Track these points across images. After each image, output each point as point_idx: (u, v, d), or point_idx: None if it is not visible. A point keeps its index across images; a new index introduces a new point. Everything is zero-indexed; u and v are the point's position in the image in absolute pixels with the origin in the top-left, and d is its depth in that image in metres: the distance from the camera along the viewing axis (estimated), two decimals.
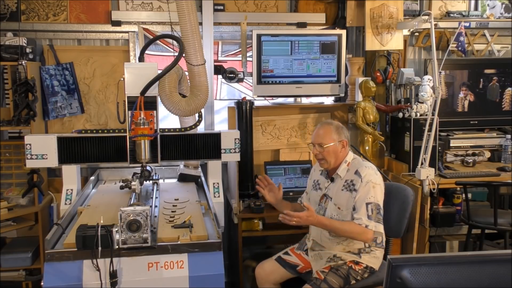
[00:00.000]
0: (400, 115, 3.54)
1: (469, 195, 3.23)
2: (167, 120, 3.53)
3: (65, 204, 2.84)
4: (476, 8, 3.99)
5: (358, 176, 2.41)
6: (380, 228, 2.37)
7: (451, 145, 3.70)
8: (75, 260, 2.00)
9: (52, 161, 2.76)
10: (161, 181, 3.28)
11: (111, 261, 1.95)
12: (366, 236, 2.35)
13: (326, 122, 2.57)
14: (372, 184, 2.38)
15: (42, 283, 1.96)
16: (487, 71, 3.86)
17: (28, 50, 3.18)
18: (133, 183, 2.41)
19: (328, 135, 2.48)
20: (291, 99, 3.79)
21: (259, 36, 3.49)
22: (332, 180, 2.54)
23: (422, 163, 3.19)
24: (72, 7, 3.52)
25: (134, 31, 3.56)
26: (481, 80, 3.86)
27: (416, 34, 3.89)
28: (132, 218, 1.97)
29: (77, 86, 3.53)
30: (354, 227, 2.34)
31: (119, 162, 2.81)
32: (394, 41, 3.66)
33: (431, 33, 3.15)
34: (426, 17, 3.16)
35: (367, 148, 3.56)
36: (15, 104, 3.20)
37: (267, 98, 3.76)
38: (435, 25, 3.49)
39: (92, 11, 3.54)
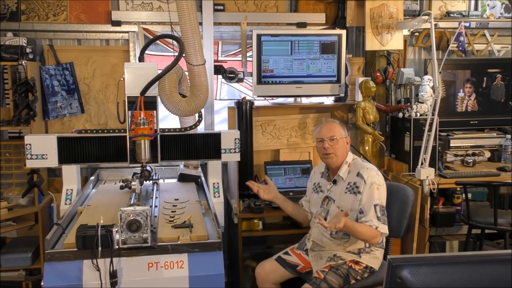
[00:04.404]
0: (400, 115, 3.54)
1: (469, 195, 3.23)
2: (167, 120, 3.53)
3: (65, 204, 2.83)
4: (476, 8, 3.99)
5: (361, 178, 2.42)
6: (386, 229, 2.37)
7: (451, 145, 3.70)
8: (75, 260, 2.00)
9: (52, 161, 2.75)
10: (161, 181, 3.28)
11: (111, 261, 1.95)
12: (376, 239, 2.38)
13: (330, 120, 2.62)
14: (376, 185, 2.39)
15: (42, 283, 1.96)
16: (489, 70, 3.86)
17: (28, 50, 3.18)
18: (133, 183, 2.41)
19: (337, 129, 2.52)
20: (291, 99, 3.79)
21: (259, 36, 3.49)
22: (334, 182, 2.55)
23: (422, 163, 3.19)
24: (72, 7, 3.52)
25: (134, 31, 3.56)
26: (484, 79, 3.85)
27: (416, 34, 3.89)
28: (132, 218, 1.97)
29: (77, 86, 3.53)
30: (369, 229, 2.33)
31: (119, 162, 2.81)
32: (394, 41, 3.66)
33: (431, 33, 3.15)
34: (426, 17, 3.16)
35: (367, 148, 3.56)
36: (15, 104, 3.20)
37: (267, 98, 3.76)
38: (435, 25, 3.49)
39: (92, 11, 3.54)
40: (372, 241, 2.39)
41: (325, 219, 2.49)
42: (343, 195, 2.47)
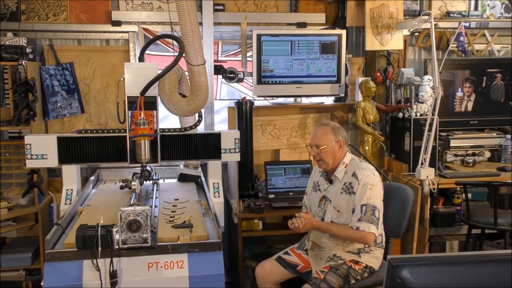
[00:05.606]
0: (400, 115, 3.54)
1: (469, 195, 3.23)
2: (167, 120, 3.53)
3: (65, 204, 2.84)
4: (476, 8, 3.99)
5: (355, 178, 2.42)
6: (372, 228, 2.34)
7: (451, 145, 3.70)
8: (75, 260, 2.00)
9: (52, 161, 2.76)
10: (161, 181, 3.28)
11: (111, 261, 1.95)
12: (365, 240, 2.37)
13: (323, 123, 2.58)
14: (369, 185, 2.38)
15: (42, 283, 1.96)
16: (489, 70, 3.86)
17: (28, 50, 3.18)
18: (133, 183, 2.41)
19: (324, 136, 2.49)
20: (291, 99, 3.79)
21: (259, 36, 3.49)
22: (331, 182, 2.55)
23: (422, 163, 3.19)
24: (72, 7, 3.52)
25: (134, 31, 3.56)
26: (484, 79, 3.85)
27: (416, 34, 3.89)
28: (132, 218, 1.97)
29: (77, 86, 3.53)
30: (349, 231, 2.37)
31: (119, 162, 2.82)
32: (394, 41, 3.66)
33: (431, 33, 3.15)
34: (426, 17, 3.16)
35: (367, 148, 3.56)
36: (15, 104, 3.20)
37: (267, 98, 3.76)
38: (435, 25, 3.49)
39: (92, 11, 3.54)
40: (364, 241, 2.39)
41: (323, 219, 2.51)
42: (339, 195, 2.47)
